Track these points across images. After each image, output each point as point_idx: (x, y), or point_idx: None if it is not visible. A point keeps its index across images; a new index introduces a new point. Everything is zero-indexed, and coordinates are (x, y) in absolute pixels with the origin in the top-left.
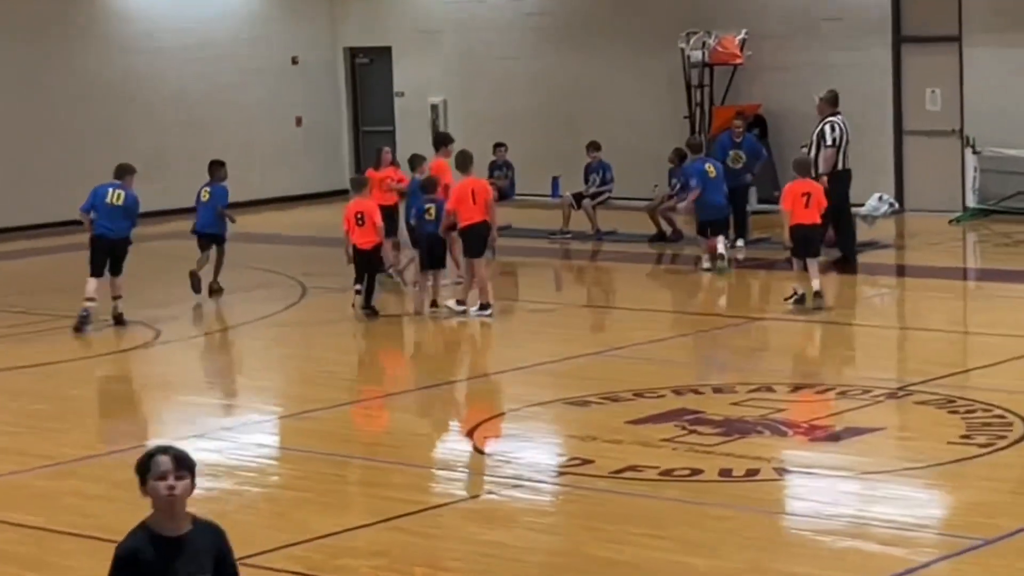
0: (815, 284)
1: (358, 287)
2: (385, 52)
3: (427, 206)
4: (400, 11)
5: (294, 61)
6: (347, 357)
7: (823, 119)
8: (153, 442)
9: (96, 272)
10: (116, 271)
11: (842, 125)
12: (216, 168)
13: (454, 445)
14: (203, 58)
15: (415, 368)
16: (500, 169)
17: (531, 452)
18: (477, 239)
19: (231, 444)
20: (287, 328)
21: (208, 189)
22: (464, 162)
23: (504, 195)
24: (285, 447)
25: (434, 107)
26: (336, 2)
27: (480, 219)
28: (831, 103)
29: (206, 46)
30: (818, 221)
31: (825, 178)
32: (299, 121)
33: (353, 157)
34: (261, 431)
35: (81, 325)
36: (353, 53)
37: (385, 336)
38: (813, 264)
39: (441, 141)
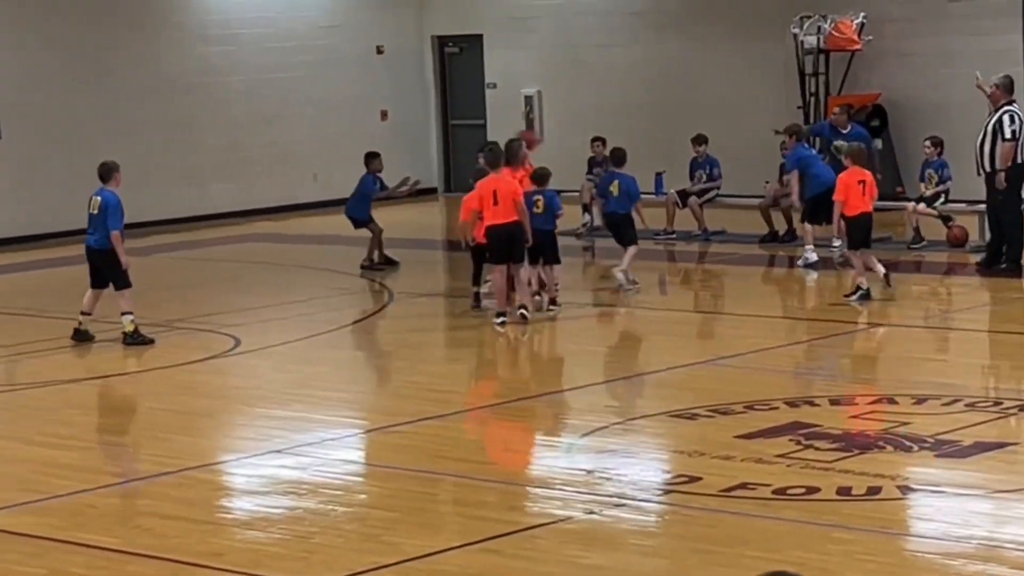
0: (880, 270)
1: (478, 288)
2: (476, 40)
3: (536, 198)
4: None
5: (379, 51)
6: (436, 367)
7: (998, 108)
8: (230, 458)
9: (95, 284)
10: (117, 284)
11: (1020, 115)
12: (371, 159)
13: (552, 461)
14: (282, 48)
15: (510, 379)
16: (599, 166)
17: (635, 469)
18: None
19: (314, 460)
20: (373, 336)
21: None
22: (495, 159)
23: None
24: (372, 463)
25: (528, 99)
26: None
27: (502, 221)
28: (1007, 90)
29: (286, 36)
30: (871, 210)
31: (1002, 174)
32: (384, 115)
33: (442, 152)
34: (346, 446)
35: (76, 338)
36: (442, 42)
37: (478, 344)
38: (869, 254)
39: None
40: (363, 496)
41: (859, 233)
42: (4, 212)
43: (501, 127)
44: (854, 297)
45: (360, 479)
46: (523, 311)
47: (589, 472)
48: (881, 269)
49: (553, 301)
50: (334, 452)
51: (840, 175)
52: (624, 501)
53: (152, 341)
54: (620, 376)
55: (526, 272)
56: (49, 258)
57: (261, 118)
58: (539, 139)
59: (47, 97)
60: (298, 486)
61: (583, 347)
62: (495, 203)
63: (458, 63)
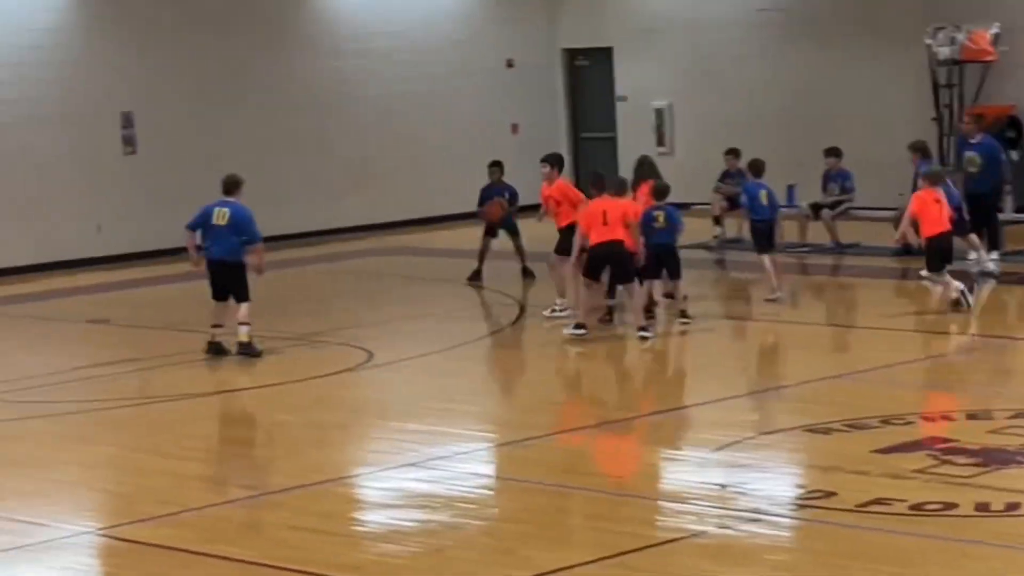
0: (958, 286)
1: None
2: (605, 53)
3: (656, 213)
4: (621, 9)
5: (509, 64)
6: (568, 381)
7: None
8: (364, 471)
9: (218, 297)
10: (238, 297)
11: None
12: (494, 168)
13: (685, 475)
14: (413, 62)
15: (642, 392)
16: (732, 178)
17: (769, 483)
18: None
19: (447, 474)
20: (505, 350)
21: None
22: (599, 183)
23: (736, 205)
24: (504, 477)
25: (658, 112)
26: (554, 2)
27: (608, 239)
28: None
29: (416, 50)
30: (950, 229)
31: None
32: (515, 128)
33: (572, 165)
34: (478, 460)
35: (211, 352)
36: (571, 55)
37: (607, 358)
38: (944, 273)
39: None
40: (496, 510)
41: (938, 254)
42: (140, 227)
43: (631, 140)
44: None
45: (493, 492)
46: (643, 333)
47: (723, 486)
48: (959, 286)
49: (683, 313)
50: (467, 465)
51: (916, 193)
52: (758, 516)
53: (260, 354)
54: (754, 390)
55: (639, 295)
56: (182, 272)
57: (393, 132)
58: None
59: (181, 112)
60: (432, 499)
61: (715, 360)
62: (604, 223)
63: (588, 76)
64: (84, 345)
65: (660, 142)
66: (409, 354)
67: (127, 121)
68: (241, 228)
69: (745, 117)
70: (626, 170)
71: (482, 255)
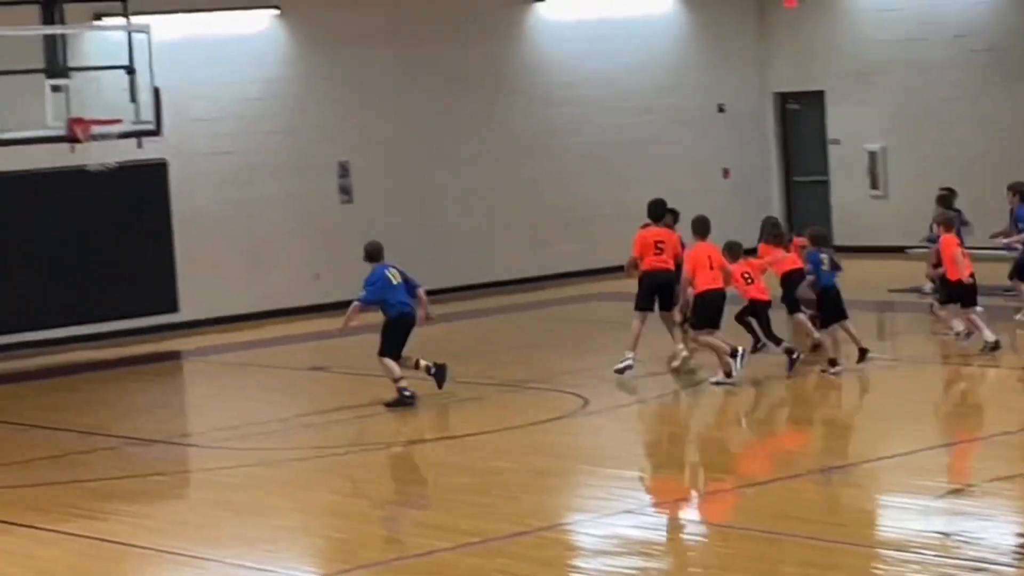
0: (988, 335)
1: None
2: (817, 96)
3: (822, 256)
4: (833, 53)
5: (720, 109)
6: (781, 428)
7: None
8: (582, 517)
9: (398, 353)
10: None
11: None
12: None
13: (905, 523)
14: (624, 109)
15: (855, 438)
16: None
17: (993, 532)
18: (708, 307)
19: (663, 520)
20: (717, 397)
21: None
22: (703, 228)
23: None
24: (720, 524)
25: (872, 154)
26: (765, 46)
27: (716, 286)
28: None
29: (628, 97)
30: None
31: None
32: (726, 172)
33: (784, 209)
34: (694, 507)
35: (410, 403)
36: (783, 98)
37: (824, 403)
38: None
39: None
40: (713, 557)
41: (966, 295)
42: (357, 275)
43: (845, 183)
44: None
45: (709, 540)
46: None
47: (946, 535)
48: (990, 335)
49: (833, 363)
50: (685, 512)
51: (942, 238)
52: (984, 566)
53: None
54: (974, 436)
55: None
56: None
57: (603, 178)
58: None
59: (395, 161)
60: (649, 546)
61: (929, 405)
62: (710, 268)
63: (800, 119)
64: (304, 392)
65: (874, 185)
66: (624, 400)
67: (344, 170)
68: (409, 284)
69: (961, 159)
70: (840, 214)
71: None
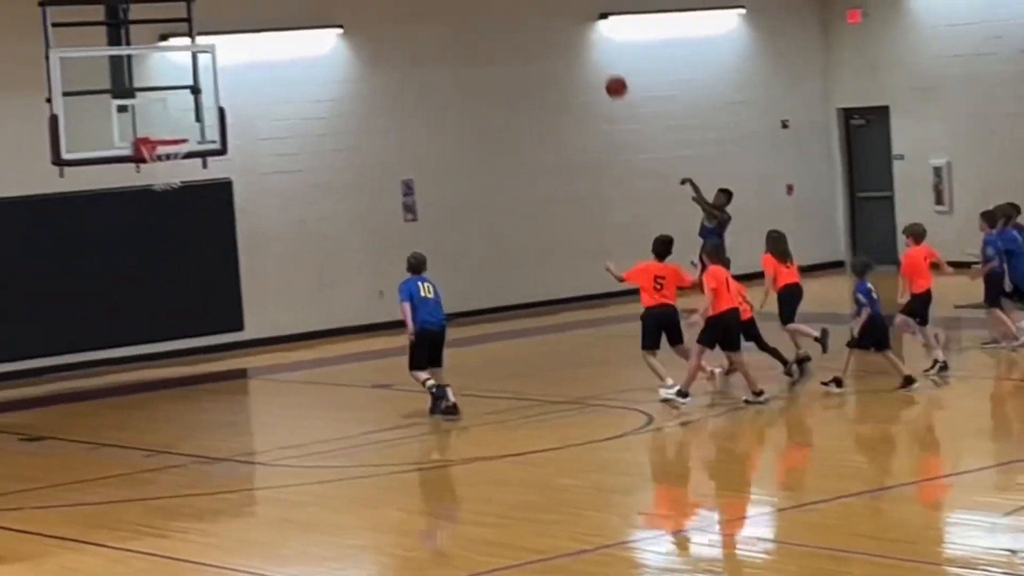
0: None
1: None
2: (882, 112)
3: (869, 286)
4: (898, 68)
5: (784, 125)
6: (848, 444)
7: None
8: (647, 535)
9: (422, 365)
10: (440, 362)
11: None
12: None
13: (972, 540)
14: (688, 126)
15: (924, 455)
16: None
17: None
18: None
19: (727, 539)
20: (783, 412)
21: None
22: (718, 255)
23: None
24: (786, 541)
25: (937, 170)
26: (829, 61)
27: (731, 308)
28: None
29: (692, 113)
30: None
31: None
32: (790, 189)
33: (849, 226)
34: (760, 524)
35: (452, 412)
36: (847, 114)
37: (889, 421)
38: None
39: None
40: (776, 574)
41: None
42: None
43: (909, 199)
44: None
45: (775, 557)
46: (748, 399)
47: (1013, 552)
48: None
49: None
50: (749, 530)
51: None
52: None
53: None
54: None
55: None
56: (466, 336)
57: (667, 195)
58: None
59: (458, 178)
60: (714, 564)
61: (994, 422)
62: (728, 290)
63: (864, 135)
64: (370, 410)
65: (939, 200)
66: (689, 417)
67: (408, 189)
68: (440, 299)
69: None
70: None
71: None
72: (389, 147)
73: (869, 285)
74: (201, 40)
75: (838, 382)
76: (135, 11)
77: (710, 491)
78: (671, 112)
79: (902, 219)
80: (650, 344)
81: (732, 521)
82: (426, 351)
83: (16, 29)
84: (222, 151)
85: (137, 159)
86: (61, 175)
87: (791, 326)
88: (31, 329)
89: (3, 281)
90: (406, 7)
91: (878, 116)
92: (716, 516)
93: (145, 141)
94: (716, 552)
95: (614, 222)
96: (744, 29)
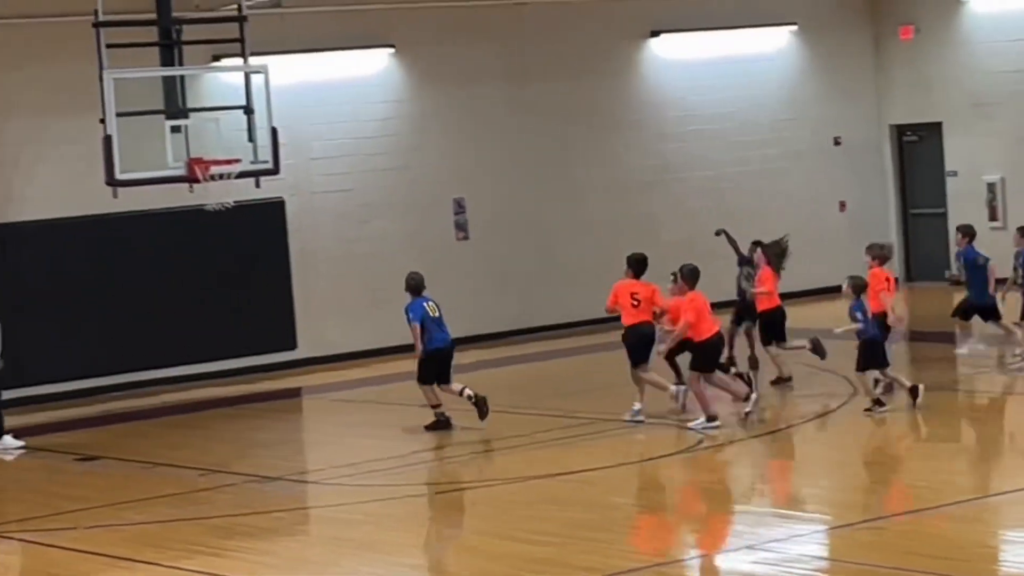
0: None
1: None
2: (935, 128)
3: (856, 311)
4: (951, 84)
5: (836, 142)
6: (903, 462)
7: None
8: (701, 553)
9: (431, 380)
10: (450, 378)
11: None
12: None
13: None
14: (740, 143)
15: (984, 473)
16: None
17: None
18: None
19: (783, 556)
20: (839, 430)
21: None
22: (693, 277)
23: None
24: (839, 559)
25: (990, 186)
26: (882, 78)
27: (717, 332)
28: None
29: (744, 130)
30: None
31: None
32: (843, 206)
33: (902, 242)
34: (814, 543)
35: (441, 427)
36: (900, 131)
37: (949, 439)
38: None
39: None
40: None
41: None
42: (472, 311)
43: (963, 215)
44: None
45: (826, 575)
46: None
47: None
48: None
49: (877, 402)
50: (803, 548)
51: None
52: None
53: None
54: None
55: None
56: (513, 355)
57: (720, 212)
58: None
59: (510, 197)
60: None
61: None
62: (710, 313)
63: (917, 151)
64: (421, 429)
65: (992, 217)
66: (739, 435)
67: (459, 207)
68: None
69: None
70: None
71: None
72: (440, 166)
73: (866, 304)
74: (254, 60)
75: (879, 403)
76: (188, 32)
77: (764, 509)
78: (723, 130)
79: (955, 235)
80: (640, 360)
81: (786, 540)
82: (436, 368)
83: (70, 50)
84: (275, 171)
85: (190, 179)
86: (115, 195)
87: (773, 350)
88: (86, 349)
89: (58, 301)
90: (457, 26)
91: (931, 132)
92: (770, 534)
93: (198, 161)
94: (770, 570)
95: (666, 240)
96: (796, 46)
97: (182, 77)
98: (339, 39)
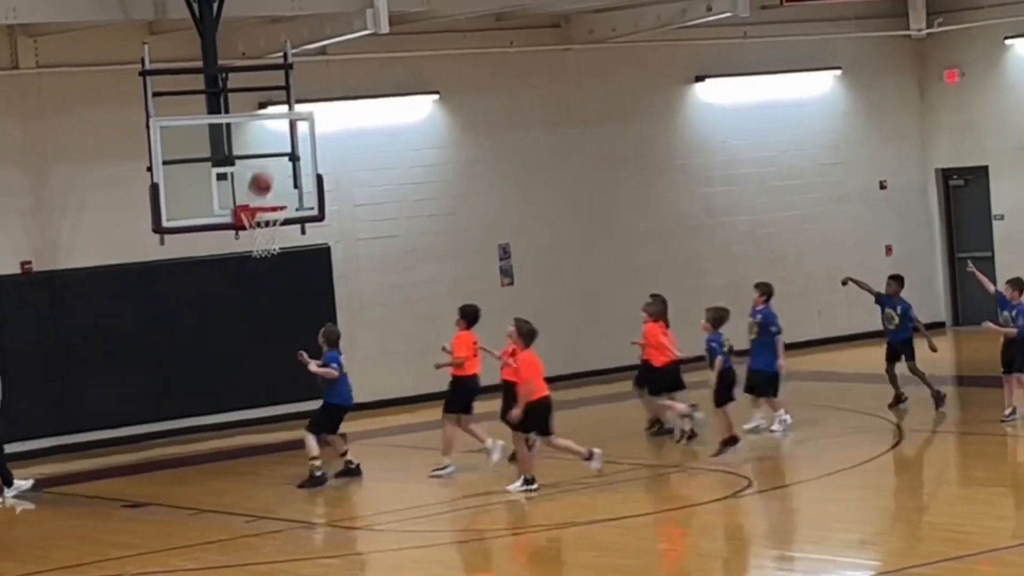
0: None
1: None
2: (981, 172)
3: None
4: (997, 127)
5: (882, 186)
6: (952, 507)
7: None
8: None
9: (336, 431)
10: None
11: None
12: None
13: None
14: (784, 187)
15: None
16: None
17: None
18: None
19: None
20: (886, 475)
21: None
22: (530, 335)
23: None
24: None
25: None
26: (927, 121)
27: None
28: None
29: (789, 175)
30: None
31: None
32: (889, 250)
33: (949, 286)
34: None
35: (351, 475)
36: (946, 174)
37: (994, 483)
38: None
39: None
40: None
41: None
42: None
43: (1010, 259)
44: None
45: None
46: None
47: None
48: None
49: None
50: None
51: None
52: None
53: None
54: None
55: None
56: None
57: (765, 256)
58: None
59: (555, 242)
60: None
61: None
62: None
63: (963, 195)
64: (466, 473)
65: None
66: (789, 480)
67: (504, 252)
68: None
69: None
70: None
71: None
72: (486, 211)
73: (723, 337)
74: (299, 107)
75: (729, 441)
76: (234, 79)
77: (810, 555)
78: (768, 174)
79: (1002, 278)
80: (459, 409)
81: None
82: (334, 422)
83: (117, 98)
84: (320, 217)
85: (237, 226)
86: (162, 242)
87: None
88: (132, 395)
89: (107, 348)
90: (501, 72)
91: (977, 176)
92: None
93: (244, 208)
94: None
95: (711, 285)
96: (840, 90)
97: (228, 124)
98: (384, 86)
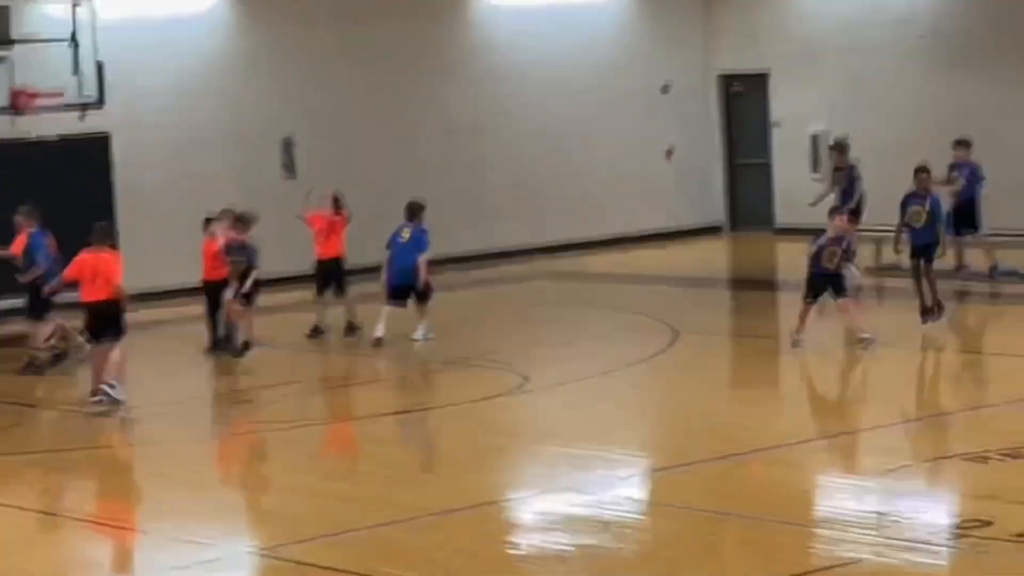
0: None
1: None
2: (761, 79)
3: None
4: (778, 35)
5: (664, 90)
6: (723, 406)
7: None
8: (521, 495)
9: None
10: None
11: None
12: None
13: (842, 503)
14: (569, 89)
15: (799, 419)
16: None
17: (926, 512)
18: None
19: (603, 498)
20: (659, 375)
21: None
22: (104, 236)
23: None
24: (661, 503)
25: (814, 137)
26: (710, 26)
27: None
28: None
29: (573, 77)
30: None
31: None
32: (669, 153)
33: (727, 191)
34: (635, 485)
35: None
36: (727, 80)
37: (766, 383)
38: None
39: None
40: (652, 535)
41: None
42: (297, 251)
43: (786, 166)
44: None
45: (649, 518)
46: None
47: (881, 514)
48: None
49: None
50: (623, 490)
51: None
52: (916, 544)
53: None
54: (909, 418)
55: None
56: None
57: (548, 158)
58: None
59: (339, 138)
60: (588, 524)
61: (870, 387)
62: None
63: (743, 101)
64: (248, 369)
65: (815, 168)
66: (565, 379)
67: (287, 147)
68: None
69: (903, 143)
70: (782, 196)
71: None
72: (269, 105)
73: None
74: None
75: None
76: None
77: (586, 452)
78: (555, 75)
79: (779, 186)
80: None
81: (607, 482)
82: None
83: None
84: (99, 104)
85: (14, 109)
86: None
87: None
88: None
89: None
90: None
91: (757, 83)
92: (591, 477)
93: (22, 92)
94: (590, 512)
95: (498, 183)
96: None
97: (7, 7)
98: None
